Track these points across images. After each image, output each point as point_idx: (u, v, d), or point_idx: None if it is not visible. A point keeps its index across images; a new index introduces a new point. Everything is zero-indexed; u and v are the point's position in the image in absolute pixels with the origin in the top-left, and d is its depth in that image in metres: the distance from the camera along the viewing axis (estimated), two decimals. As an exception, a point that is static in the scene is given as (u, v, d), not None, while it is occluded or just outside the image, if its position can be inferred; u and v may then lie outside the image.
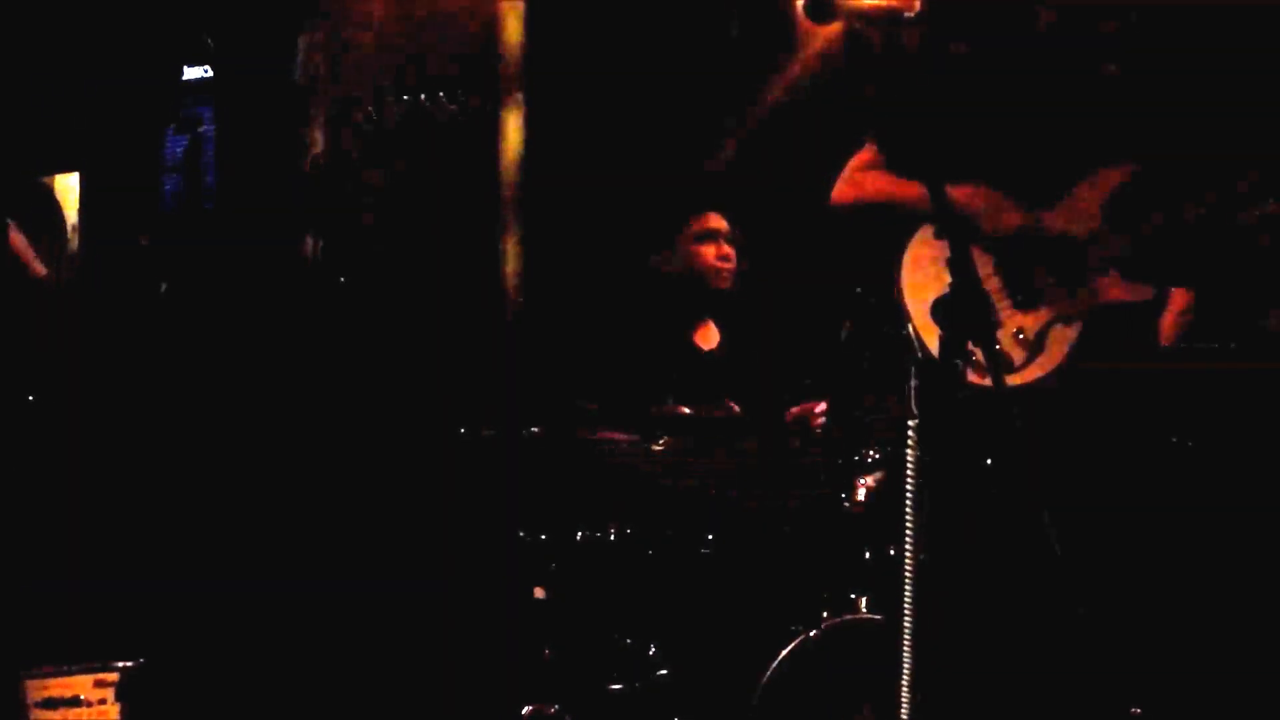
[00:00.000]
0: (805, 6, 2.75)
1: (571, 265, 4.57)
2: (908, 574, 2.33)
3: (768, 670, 3.02)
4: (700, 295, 3.91)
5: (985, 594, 2.70)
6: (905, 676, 2.36)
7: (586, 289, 4.40)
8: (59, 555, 3.08)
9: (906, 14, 2.67)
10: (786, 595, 3.20)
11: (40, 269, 2.66)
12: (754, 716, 3.02)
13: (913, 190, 2.81)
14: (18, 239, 2.78)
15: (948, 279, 2.42)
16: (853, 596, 3.08)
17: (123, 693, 2.87)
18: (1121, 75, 2.80)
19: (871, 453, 3.21)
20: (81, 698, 2.85)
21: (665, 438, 3.55)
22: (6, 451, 2.96)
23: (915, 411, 2.35)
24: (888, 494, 3.11)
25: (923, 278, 2.80)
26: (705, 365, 3.91)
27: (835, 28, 3.22)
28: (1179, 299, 3.22)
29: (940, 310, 2.39)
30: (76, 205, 3.58)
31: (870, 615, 3.06)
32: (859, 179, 2.94)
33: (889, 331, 2.82)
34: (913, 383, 2.45)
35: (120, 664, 2.89)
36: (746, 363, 3.93)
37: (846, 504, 3.22)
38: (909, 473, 2.32)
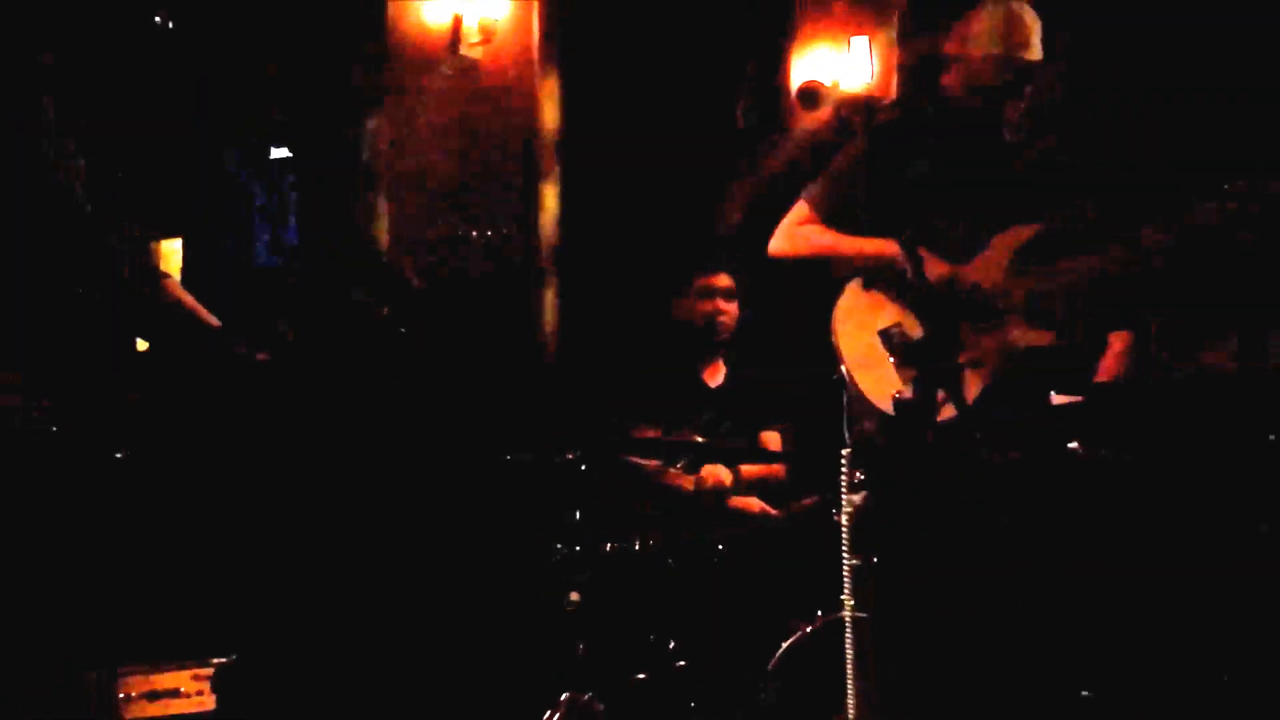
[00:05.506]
0: (798, 96, 3.07)
1: (602, 315, 4.71)
2: (846, 579, 2.48)
3: (772, 660, 3.08)
4: (703, 340, 4.04)
5: (932, 593, 2.71)
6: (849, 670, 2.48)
7: (615, 336, 4.50)
8: (166, 566, 3.04)
9: (883, 100, 3.03)
10: (787, 596, 3.22)
11: (213, 319, 2.66)
12: (760, 700, 3.09)
13: (843, 247, 2.93)
14: (185, 294, 2.79)
15: (874, 325, 2.70)
16: (843, 597, 2.77)
17: (217, 685, 2.90)
18: (1027, 151, 2.91)
19: (858, 475, 3.10)
20: (180, 690, 2.88)
21: (683, 461, 3.73)
22: (120, 480, 2.86)
23: (848, 441, 2.56)
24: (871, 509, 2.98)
25: (853, 325, 2.89)
26: (712, 400, 4.02)
27: (824, 113, 3.27)
28: (1118, 342, 3.33)
29: (886, 339, 2.64)
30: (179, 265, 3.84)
31: (858, 613, 2.93)
32: (795, 234, 3.02)
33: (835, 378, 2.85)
34: (845, 418, 2.68)
35: (215, 660, 2.92)
36: (748, 399, 4.02)
37: (837, 518, 3.08)
38: (842, 489, 2.47)
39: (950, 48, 2.95)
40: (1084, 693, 2.83)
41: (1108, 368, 3.39)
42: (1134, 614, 2.93)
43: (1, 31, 2.35)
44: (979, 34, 2.89)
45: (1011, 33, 2.88)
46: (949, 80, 2.95)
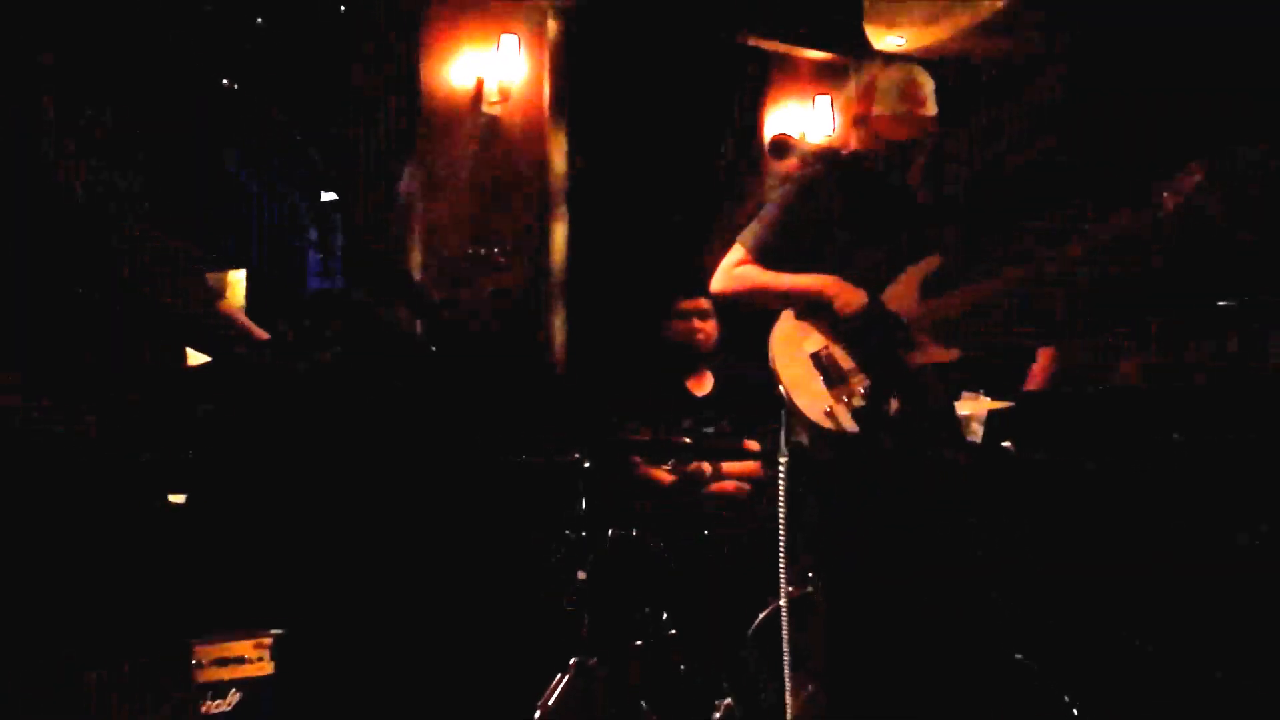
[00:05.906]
0: (769, 148, 3.29)
1: (604, 333, 4.97)
2: (782, 567, 2.65)
3: (749, 630, 3.30)
4: (687, 355, 4.29)
5: (859, 580, 2.85)
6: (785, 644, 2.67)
7: (615, 351, 4.72)
8: (232, 555, 3.16)
9: (842, 151, 3.15)
10: (761, 576, 3.26)
11: (261, 333, 2.67)
12: (739, 663, 3.31)
13: (777, 283, 3.07)
14: (235, 312, 2.86)
15: (805, 349, 2.93)
16: (809, 576, 3.17)
17: (275, 653, 3.04)
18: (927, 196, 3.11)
19: (796, 479, 3.01)
20: (245, 656, 3.03)
21: (672, 460, 4.02)
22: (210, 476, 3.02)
23: (784, 450, 2.78)
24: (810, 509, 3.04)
25: (787, 349, 3.03)
26: (698, 407, 4.25)
27: (792, 162, 3.31)
28: (1044, 356, 3.71)
29: (816, 361, 2.88)
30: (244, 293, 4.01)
31: (793, 599, 3.00)
32: (733, 273, 3.14)
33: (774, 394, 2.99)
34: (782, 430, 2.87)
35: (274, 631, 3.07)
36: (731, 406, 4.21)
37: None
38: (780, 492, 2.68)
39: (860, 109, 3.12)
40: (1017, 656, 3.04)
41: (1035, 378, 3.77)
42: (1062, 596, 3.09)
43: (1, 31, 2.29)
44: (882, 95, 3.05)
45: (910, 93, 3.04)
46: (859, 136, 3.13)
